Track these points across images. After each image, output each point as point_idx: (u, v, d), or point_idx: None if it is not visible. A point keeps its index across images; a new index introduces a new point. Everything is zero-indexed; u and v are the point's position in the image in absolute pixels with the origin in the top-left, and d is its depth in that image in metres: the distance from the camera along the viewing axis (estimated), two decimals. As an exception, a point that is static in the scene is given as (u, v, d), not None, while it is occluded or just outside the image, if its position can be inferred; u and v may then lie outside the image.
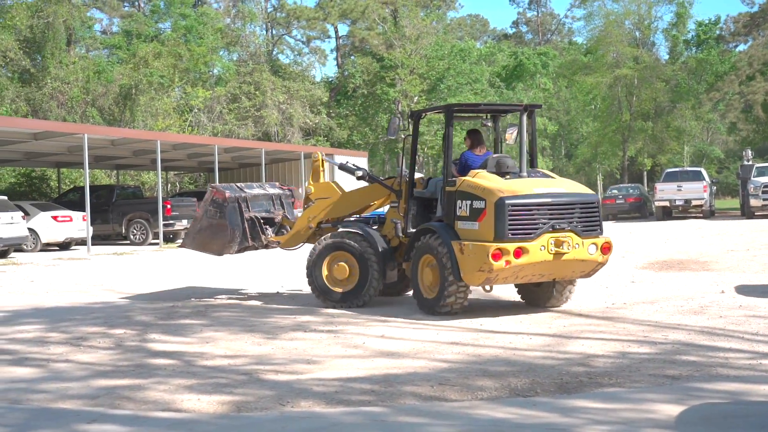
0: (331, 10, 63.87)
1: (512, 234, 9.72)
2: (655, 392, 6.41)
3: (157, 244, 26.53)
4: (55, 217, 25.15)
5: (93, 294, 13.86)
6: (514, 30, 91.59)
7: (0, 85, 38.29)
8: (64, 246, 25.88)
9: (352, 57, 65.85)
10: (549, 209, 9.97)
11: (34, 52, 41.73)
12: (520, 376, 6.97)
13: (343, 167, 12.41)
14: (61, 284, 15.49)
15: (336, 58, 71.01)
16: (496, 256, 9.65)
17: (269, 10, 69.53)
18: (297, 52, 70.45)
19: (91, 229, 24.77)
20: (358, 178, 12.05)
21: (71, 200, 28.23)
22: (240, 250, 12.66)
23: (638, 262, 16.36)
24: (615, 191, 40.53)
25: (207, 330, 9.72)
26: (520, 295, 11.40)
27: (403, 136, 12.81)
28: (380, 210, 12.53)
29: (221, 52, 61.21)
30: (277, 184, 13.90)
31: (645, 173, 57.83)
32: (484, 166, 10.61)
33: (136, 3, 67.80)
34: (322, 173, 12.67)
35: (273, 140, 50.35)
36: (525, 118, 10.81)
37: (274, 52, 68.80)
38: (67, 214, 25.38)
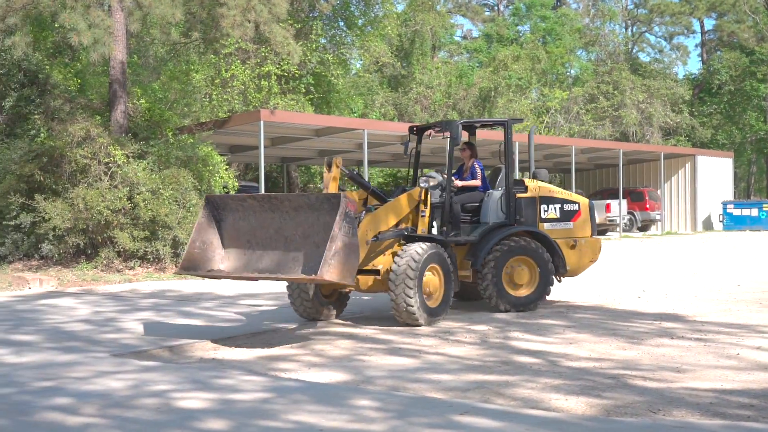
0: (698, 3, 61.15)
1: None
2: None
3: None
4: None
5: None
6: None
7: (372, 91, 41.08)
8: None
9: (719, 52, 62.59)
10: None
11: (402, 58, 44.29)
12: None
13: (353, 178, 11.04)
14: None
15: (700, 54, 67.79)
16: (601, 248, 12.08)
17: (630, 7, 68.08)
18: (658, 50, 68.31)
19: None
20: (371, 193, 11.08)
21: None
22: None
23: None
24: None
25: (569, 331, 9.69)
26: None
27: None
28: None
29: (579, 52, 60.90)
30: None
31: None
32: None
33: (497, 7, 69.56)
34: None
35: (631, 140, 49.15)
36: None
37: (634, 50, 67.22)
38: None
